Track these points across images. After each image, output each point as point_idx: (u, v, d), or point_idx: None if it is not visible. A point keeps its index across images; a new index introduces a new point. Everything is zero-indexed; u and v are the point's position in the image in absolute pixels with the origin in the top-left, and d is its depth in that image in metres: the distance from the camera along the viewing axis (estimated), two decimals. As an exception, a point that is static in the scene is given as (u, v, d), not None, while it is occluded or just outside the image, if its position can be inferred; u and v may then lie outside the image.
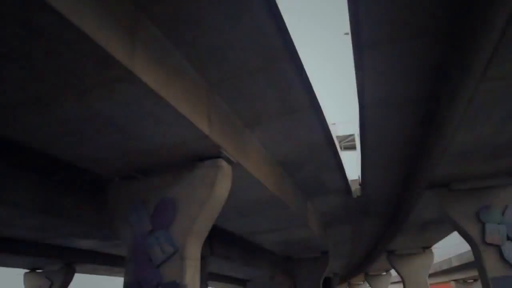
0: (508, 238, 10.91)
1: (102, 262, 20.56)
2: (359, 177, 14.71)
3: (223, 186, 8.76)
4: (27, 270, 21.48)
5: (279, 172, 12.30)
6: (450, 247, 40.05)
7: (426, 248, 23.47)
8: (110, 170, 9.16)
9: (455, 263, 35.31)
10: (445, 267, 38.17)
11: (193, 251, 8.66)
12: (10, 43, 4.73)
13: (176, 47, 6.66)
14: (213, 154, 8.46)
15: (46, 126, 6.74)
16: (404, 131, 10.34)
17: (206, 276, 22.65)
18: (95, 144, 7.66)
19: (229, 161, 8.80)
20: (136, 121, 6.89)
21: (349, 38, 6.81)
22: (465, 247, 31.77)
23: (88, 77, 5.46)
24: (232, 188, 9.04)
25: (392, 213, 18.71)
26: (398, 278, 33.32)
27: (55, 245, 16.38)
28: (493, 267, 10.75)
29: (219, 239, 20.24)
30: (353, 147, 15.68)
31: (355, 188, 15.45)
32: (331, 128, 10.94)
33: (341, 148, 14.47)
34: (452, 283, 43.73)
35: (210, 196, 8.47)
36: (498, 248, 10.85)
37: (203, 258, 10.15)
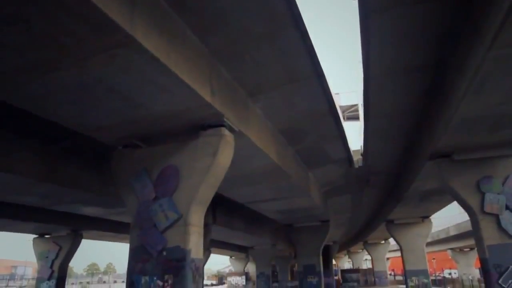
0: (507, 208, 11.07)
1: (108, 228, 21.10)
2: (361, 147, 14.75)
3: (225, 155, 8.81)
4: (36, 236, 22.16)
5: (281, 142, 12.32)
6: (449, 218, 40.78)
7: (425, 217, 23.88)
8: (113, 138, 9.19)
9: (453, 233, 36.02)
10: (442, 236, 38.97)
11: (196, 217, 8.83)
12: (8, 7, 4.62)
13: (177, 13, 6.49)
14: (216, 123, 8.45)
15: (48, 93, 6.70)
16: (409, 100, 10.23)
17: (209, 243, 23.30)
18: (97, 112, 7.65)
19: (231, 130, 8.81)
20: (138, 89, 6.84)
21: (355, 4, 6.62)
22: (463, 217, 32.34)
23: (88, 43, 5.36)
24: (234, 157, 9.10)
25: (393, 183, 18.88)
26: (396, 247, 34.16)
27: (61, 212, 16.75)
28: (490, 236, 10.98)
29: (222, 208, 20.63)
30: (356, 117, 15.63)
31: (356, 158, 15.53)
32: (335, 97, 10.85)
33: (344, 118, 14.44)
34: (449, 251, 44.79)
35: (212, 164, 8.54)
36: (496, 217, 11.03)
37: (206, 225, 10.39)
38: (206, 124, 8.58)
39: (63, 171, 11.62)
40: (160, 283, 8.44)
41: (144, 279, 8.64)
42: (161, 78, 6.48)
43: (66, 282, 23.19)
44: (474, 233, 11.73)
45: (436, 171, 11.68)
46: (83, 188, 12.45)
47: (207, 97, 7.48)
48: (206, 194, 8.93)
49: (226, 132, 8.65)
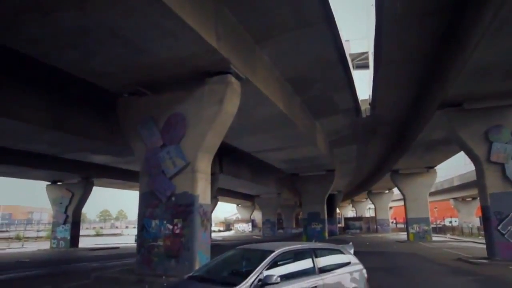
0: (513, 157, 11.08)
1: (117, 176, 21.71)
2: (369, 97, 14.51)
3: (232, 102, 8.72)
4: (49, 183, 22.93)
5: (289, 90, 12.14)
6: (453, 168, 41.15)
7: (430, 168, 24.05)
8: (118, 85, 9.10)
9: (457, 183, 36.47)
10: (446, 186, 39.52)
11: (204, 165, 8.97)
12: None
13: (180, -51, 6.09)
14: (222, 69, 8.26)
15: (48, 36, 6.52)
16: (422, 46, 9.84)
17: (216, 191, 23.95)
18: (100, 57, 7.48)
19: (238, 77, 8.64)
20: (141, 33, 6.61)
21: None
22: (467, 168, 32.62)
23: (87, -19, 5.11)
24: (240, 105, 9.01)
25: (400, 133, 18.81)
26: (399, 196, 34.78)
27: (71, 160, 17.13)
28: (494, 184, 11.12)
29: (228, 157, 20.92)
30: (365, 66, 15.19)
31: (364, 107, 15.34)
32: (345, 44, 10.46)
33: (353, 67, 14.03)
34: (451, 201, 45.72)
35: (219, 112, 8.50)
36: (501, 166, 11.10)
37: (213, 174, 10.56)
38: (212, 71, 8.40)
39: (70, 119, 11.69)
40: (170, 227, 8.80)
41: (154, 223, 9.00)
42: (164, 21, 6.24)
43: (80, 227, 24.29)
44: (478, 181, 11.86)
45: (445, 121, 11.56)
46: (91, 137, 12.60)
47: (213, 42, 7.25)
48: (213, 141, 8.99)
49: (232, 79, 8.49)
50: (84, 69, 8.05)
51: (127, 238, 34.10)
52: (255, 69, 9.45)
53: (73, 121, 11.80)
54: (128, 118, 9.64)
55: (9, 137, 12.45)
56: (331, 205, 36.41)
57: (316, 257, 4.61)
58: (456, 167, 41.19)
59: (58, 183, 22.60)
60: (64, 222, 22.21)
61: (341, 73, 11.48)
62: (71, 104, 11.67)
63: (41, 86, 10.70)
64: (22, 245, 26.38)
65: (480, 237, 23.83)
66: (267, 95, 10.14)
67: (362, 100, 14.88)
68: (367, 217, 51.96)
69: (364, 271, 5.10)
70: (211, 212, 22.19)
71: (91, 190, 22.90)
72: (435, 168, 24.46)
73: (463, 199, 43.86)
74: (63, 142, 13.25)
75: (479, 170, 11.56)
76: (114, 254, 17.16)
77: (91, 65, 7.81)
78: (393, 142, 20.97)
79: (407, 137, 17.75)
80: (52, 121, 11.15)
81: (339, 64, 10.89)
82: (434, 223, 38.52)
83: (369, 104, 14.82)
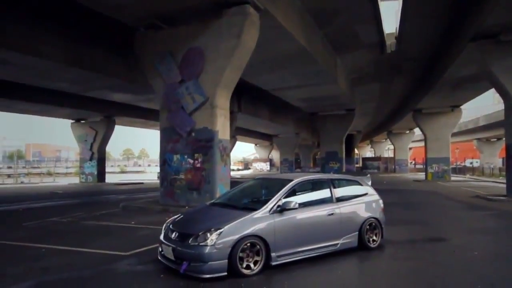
0: (548, 93, 10.51)
1: (138, 115, 22.07)
2: (396, 30, 13.67)
3: (250, 36, 8.38)
4: (73, 121, 23.64)
5: (309, 23, 11.53)
6: (480, 108, 39.79)
7: (455, 107, 23.27)
8: (134, 18, 8.82)
9: (482, 123, 35.40)
10: (471, 126, 38.53)
11: (223, 100, 8.92)
12: None
13: None
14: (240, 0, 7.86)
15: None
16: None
17: (234, 130, 24.11)
18: (114, -13, 7.22)
19: (257, 8, 8.19)
20: (154, -43, 6.26)
21: None
22: (495, 108, 31.42)
23: None
24: (259, 39, 8.64)
25: (426, 70, 17.97)
26: (419, 137, 34.12)
27: (93, 98, 17.38)
28: (522, 122, 10.74)
29: (247, 96, 20.73)
30: (393, -4, 14.11)
31: (389, 42, 14.53)
32: (372, -31, 9.67)
33: (380, -3, 13.07)
34: (474, 142, 44.87)
35: (237, 45, 8.21)
36: (532, 104, 10.62)
37: (231, 113, 10.54)
38: (229, 1, 8.00)
39: (88, 56, 11.63)
40: (191, 161, 9.05)
41: (176, 157, 9.27)
42: None
43: (105, 164, 25.37)
44: (505, 119, 11.46)
45: (477, 54, 10.90)
46: (110, 74, 12.59)
47: (230, -33, 6.80)
48: (231, 77, 8.83)
49: (251, 10, 8.08)
50: (99, 0, 7.79)
51: (150, 175, 35.61)
52: (275, -1, 8.92)
53: (92, 58, 11.74)
54: (146, 54, 9.50)
55: (31, 74, 12.57)
56: (350, 145, 36.42)
57: (334, 187, 4.68)
58: (481, 107, 39.69)
59: (82, 121, 23.28)
60: (90, 159, 23.26)
61: (367, 4, 10.73)
62: (89, 41, 11.54)
63: (59, 22, 10.55)
64: (54, 180, 28.01)
65: (500, 177, 23.67)
66: (287, 29, 9.67)
67: (387, 34, 14.05)
68: (386, 157, 52.04)
69: (381, 201, 5.19)
70: (230, 150, 22.64)
71: (113, 128, 23.54)
72: (461, 107, 23.65)
73: (487, 139, 42.96)
74: (83, 79, 13.33)
75: (508, 107, 11.11)
76: (139, 189, 18.03)
77: (105, -5, 7.54)
78: (418, 80, 20.16)
79: (434, 73, 16.97)
80: (71, 58, 11.13)
81: (365, -7, 10.15)
82: (454, 164, 38.15)
83: (395, 38, 14.00)
